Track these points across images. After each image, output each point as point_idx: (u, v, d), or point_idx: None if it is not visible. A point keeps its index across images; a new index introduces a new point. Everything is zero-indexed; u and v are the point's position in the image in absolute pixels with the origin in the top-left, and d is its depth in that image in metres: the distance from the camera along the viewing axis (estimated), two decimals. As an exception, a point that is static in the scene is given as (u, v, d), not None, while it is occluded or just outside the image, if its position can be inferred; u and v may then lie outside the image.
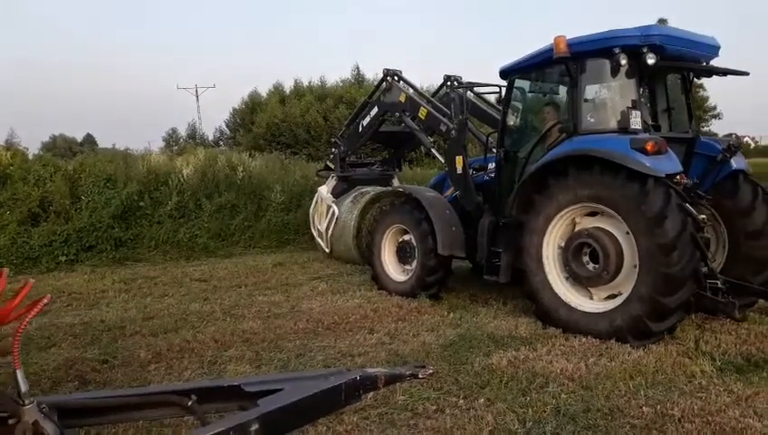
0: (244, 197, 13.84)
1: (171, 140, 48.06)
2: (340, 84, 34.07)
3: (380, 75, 10.24)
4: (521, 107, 7.55)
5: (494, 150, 7.66)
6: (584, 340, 5.83)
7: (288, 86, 35.70)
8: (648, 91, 6.96)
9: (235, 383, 2.48)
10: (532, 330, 6.30)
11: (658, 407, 4.26)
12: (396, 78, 9.91)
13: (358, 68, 35.75)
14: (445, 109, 8.80)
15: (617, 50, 6.06)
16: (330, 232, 10.94)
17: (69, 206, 12.01)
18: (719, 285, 5.94)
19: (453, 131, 8.28)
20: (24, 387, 2.17)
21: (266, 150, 24.19)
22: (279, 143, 28.91)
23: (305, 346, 5.93)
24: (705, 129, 39.25)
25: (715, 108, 47.07)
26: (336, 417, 4.04)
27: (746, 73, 6.99)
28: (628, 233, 5.86)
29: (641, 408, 4.26)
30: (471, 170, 8.26)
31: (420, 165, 21.45)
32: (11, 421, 2.22)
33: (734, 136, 6.84)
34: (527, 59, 7.01)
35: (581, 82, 6.47)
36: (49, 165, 13.02)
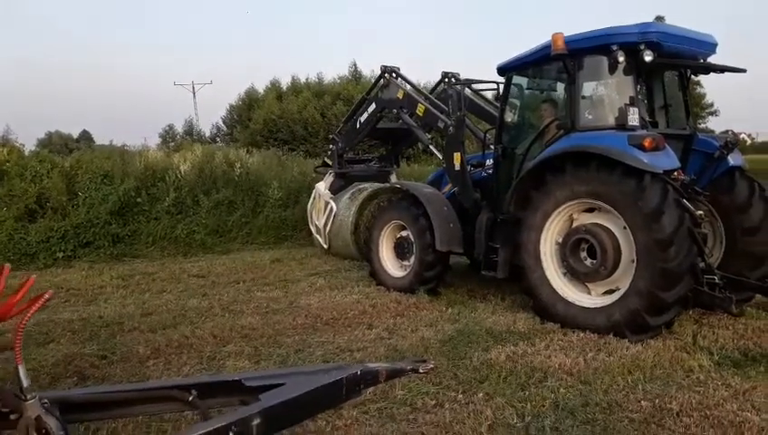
0: (241, 193, 13.83)
1: (168, 136, 47.90)
2: (338, 81, 33.97)
3: (378, 72, 10.25)
4: (518, 104, 7.56)
5: (492, 147, 7.67)
6: (582, 335, 5.85)
7: (285, 83, 35.63)
8: (645, 88, 6.97)
9: (237, 378, 2.49)
10: (531, 325, 6.32)
11: (657, 401, 4.29)
12: (393, 75, 9.91)
13: (355, 65, 35.62)
14: (442, 105, 8.79)
15: (614, 47, 6.06)
16: (328, 228, 10.93)
17: (66, 202, 11.98)
18: (716, 281, 5.97)
19: (450, 128, 8.29)
20: (25, 382, 2.17)
21: (263, 147, 24.14)
22: (276, 140, 28.83)
23: (304, 342, 5.94)
24: (702, 126, 39.26)
25: (712, 105, 47.08)
26: (335, 411, 4.05)
27: (743, 70, 7.00)
28: (625, 228, 5.89)
29: (640, 402, 4.29)
30: (469, 167, 8.27)
31: (418, 161, 21.44)
32: (13, 417, 2.22)
33: (730, 133, 6.88)
34: (525, 56, 7.02)
35: (579, 79, 6.48)
36: (46, 161, 12.96)
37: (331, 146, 11.61)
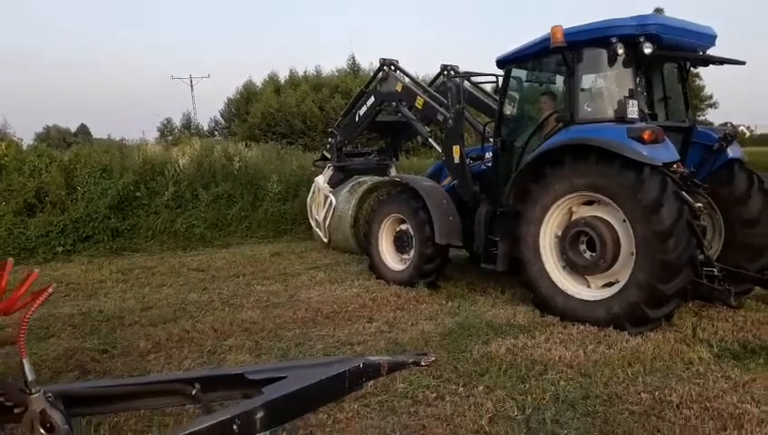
0: (240, 187, 13.81)
1: (166, 130, 47.76)
2: (336, 74, 33.87)
3: (376, 65, 10.23)
4: (518, 96, 7.56)
5: (491, 140, 7.67)
6: (582, 327, 5.87)
7: (283, 76, 35.53)
8: (644, 81, 6.97)
9: (239, 372, 2.49)
10: (530, 318, 6.34)
11: (657, 393, 4.31)
12: (392, 67, 9.90)
13: (353, 57, 35.51)
14: (441, 98, 8.77)
15: (614, 39, 6.07)
16: (327, 222, 10.93)
17: (65, 196, 11.95)
18: (715, 273, 6.00)
19: (450, 121, 8.28)
20: (30, 376, 2.17)
21: (262, 140, 24.07)
22: (274, 133, 28.74)
23: (305, 335, 5.96)
24: (701, 118, 39.23)
25: (711, 97, 47.00)
26: (336, 405, 4.06)
27: (742, 62, 7.00)
28: (624, 221, 5.90)
29: (640, 394, 4.31)
30: (468, 160, 8.28)
31: (417, 155, 21.40)
32: (17, 410, 2.23)
33: (729, 125, 6.89)
34: (524, 48, 7.01)
35: (578, 72, 6.48)
36: (44, 156, 12.92)
37: (329, 139, 11.59)
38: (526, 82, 7.64)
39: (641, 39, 5.98)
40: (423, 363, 2.62)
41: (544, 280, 6.46)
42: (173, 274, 9.35)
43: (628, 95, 6.25)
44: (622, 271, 5.99)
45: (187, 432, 1.86)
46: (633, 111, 6.21)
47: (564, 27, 6.30)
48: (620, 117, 6.21)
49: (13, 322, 5.80)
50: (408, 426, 3.92)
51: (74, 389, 2.59)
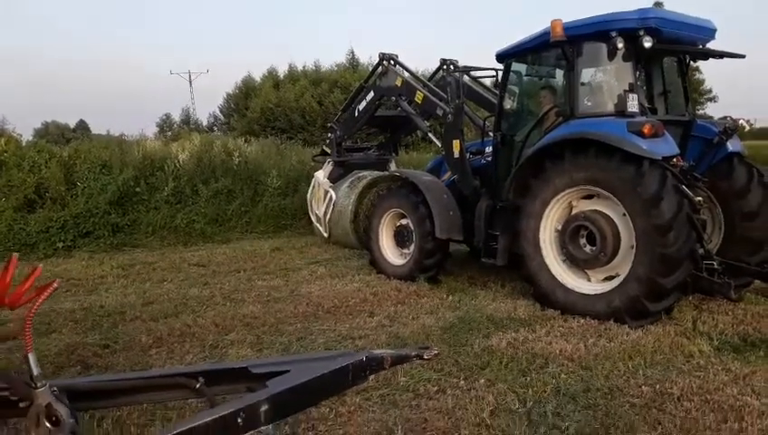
0: (240, 182, 13.80)
1: (165, 125, 47.75)
2: (335, 69, 33.81)
3: (376, 60, 10.22)
4: (517, 91, 7.57)
5: (491, 134, 7.67)
6: (582, 321, 5.89)
7: (282, 71, 35.47)
8: (644, 75, 6.97)
9: (243, 365, 2.50)
10: (531, 312, 6.36)
11: (657, 386, 4.33)
12: (392, 62, 9.89)
13: (352, 52, 35.42)
14: (441, 93, 8.78)
15: (613, 33, 6.07)
16: (327, 217, 10.94)
17: (65, 192, 11.96)
18: (715, 266, 6.01)
19: (449, 115, 8.28)
20: (35, 370, 2.18)
21: (261, 136, 24.06)
22: (274, 128, 28.69)
23: (306, 329, 5.97)
24: (701, 111, 39.18)
25: (710, 91, 46.91)
26: (338, 398, 4.08)
27: (742, 56, 7.00)
28: (624, 215, 5.91)
29: (640, 387, 4.33)
30: (468, 154, 8.27)
31: (417, 149, 21.39)
32: (23, 404, 2.24)
33: (729, 119, 6.88)
34: (524, 42, 7.01)
35: (578, 66, 6.48)
36: (44, 151, 12.91)
37: (329, 134, 11.59)
38: (526, 76, 7.63)
39: (641, 33, 5.98)
40: (426, 357, 2.63)
41: (545, 274, 6.48)
42: (174, 269, 9.35)
43: (627, 89, 6.25)
44: (622, 265, 6.01)
45: (192, 425, 1.88)
46: (633, 104, 6.22)
47: (564, 21, 6.31)
48: (620, 111, 6.22)
49: (17, 317, 5.81)
50: (410, 419, 3.94)
51: (79, 383, 2.60)
